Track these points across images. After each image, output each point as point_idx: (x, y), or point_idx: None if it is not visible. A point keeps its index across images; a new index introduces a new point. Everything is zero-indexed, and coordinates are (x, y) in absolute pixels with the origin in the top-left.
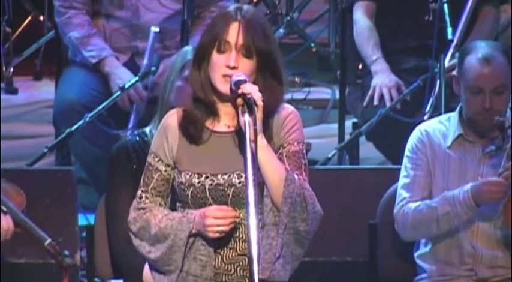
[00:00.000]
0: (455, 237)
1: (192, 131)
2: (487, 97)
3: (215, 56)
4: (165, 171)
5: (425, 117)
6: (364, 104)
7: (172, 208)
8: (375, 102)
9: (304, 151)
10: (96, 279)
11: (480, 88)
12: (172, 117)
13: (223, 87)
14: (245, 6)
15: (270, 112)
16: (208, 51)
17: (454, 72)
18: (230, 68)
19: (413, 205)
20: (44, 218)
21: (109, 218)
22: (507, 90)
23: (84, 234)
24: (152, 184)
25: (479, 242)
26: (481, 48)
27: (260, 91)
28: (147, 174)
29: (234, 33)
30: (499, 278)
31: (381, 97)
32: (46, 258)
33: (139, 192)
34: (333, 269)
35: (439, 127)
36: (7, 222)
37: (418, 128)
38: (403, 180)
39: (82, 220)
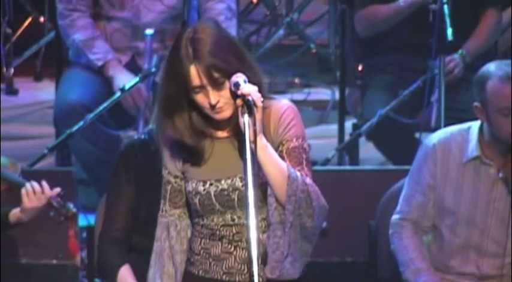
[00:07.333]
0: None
1: (195, 161)
2: None
3: (195, 97)
4: (175, 182)
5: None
6: None
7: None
8: None
9: (305, 146)
10: (96, 279)
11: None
12: None
13: (219, 116)
14: (192, 34)
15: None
16: (184, 96)
17: (476, 103)
18: (212, 105)
19: (406, 233)
20: (45, 218)
21: (105, 213)
22: None
23: (84, 234)
24: (168, 197)
25: (485, 263)
26: (498, 70)
27: (252, 81)
28: (164, 187)
29: (196, 77)
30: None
31: None
32: (46, 258)
33: (161, 205)
34: (333, 269)
35: (457, 139)
36: None
37: (431, 139)
38: (405, 188)
39: (82, 221)
